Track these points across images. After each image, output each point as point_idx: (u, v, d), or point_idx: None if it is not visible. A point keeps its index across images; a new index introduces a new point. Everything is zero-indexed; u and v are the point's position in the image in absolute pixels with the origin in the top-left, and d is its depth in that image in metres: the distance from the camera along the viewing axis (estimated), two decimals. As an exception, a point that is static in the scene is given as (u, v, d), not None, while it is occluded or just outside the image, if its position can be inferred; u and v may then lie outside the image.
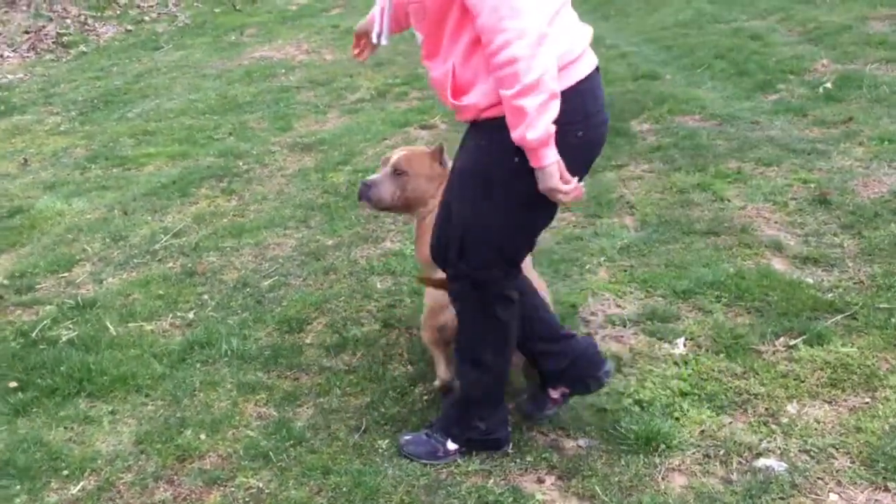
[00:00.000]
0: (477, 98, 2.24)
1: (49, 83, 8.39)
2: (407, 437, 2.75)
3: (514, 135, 2.16)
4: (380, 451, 2.74)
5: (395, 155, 3.07)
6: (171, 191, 5.09)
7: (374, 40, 2.51)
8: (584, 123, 2.27)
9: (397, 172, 3.01)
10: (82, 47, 9.86)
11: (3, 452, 2.83)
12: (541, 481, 2.57)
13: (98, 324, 3.61)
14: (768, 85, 6.24)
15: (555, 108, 2.13)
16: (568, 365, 2.66)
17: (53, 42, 10.17)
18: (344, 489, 2.56)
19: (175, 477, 2.68)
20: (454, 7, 2.20)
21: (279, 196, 4.92)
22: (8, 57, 9.72)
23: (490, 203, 2.34)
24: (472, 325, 2.58)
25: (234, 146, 5.86)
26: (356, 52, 2.87)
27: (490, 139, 2.29)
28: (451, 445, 2.68)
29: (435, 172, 3.02)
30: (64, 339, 3.50)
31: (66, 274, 4.13)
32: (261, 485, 2.61)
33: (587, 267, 3.84)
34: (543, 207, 2.35)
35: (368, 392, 3.05)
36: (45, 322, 3.63)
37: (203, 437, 2.86)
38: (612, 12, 9.26)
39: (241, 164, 5.51)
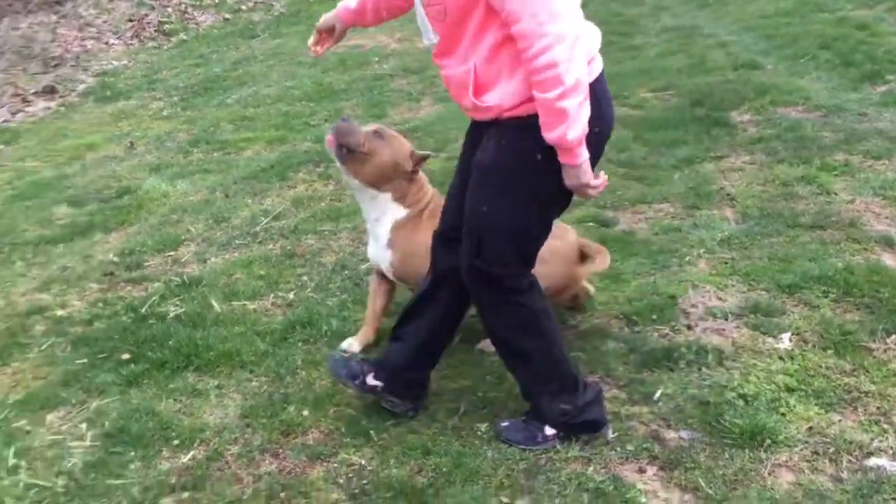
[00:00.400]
0: (500, 98, 2.30)
1: (152, 69, 8.66)
2: (505, 424, 2.76)
3: (553, 135, 2.22)
4: (478, 433, 2.76)
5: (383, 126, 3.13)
6: (270, 175, 5.20)
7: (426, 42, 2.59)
8: (600, 120, 2.33)
9: (377, 135, 3.05)
10: (182, 35, 10.14)
11: (116, 420, 2.95)
12: (642, 471, 2.55)
13: (203, 301, 3.72)
14: (876, 76, 6.02)
15: (588, 107, 2.22)
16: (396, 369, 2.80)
17: (155, 30, 10.48)
18: (444, 469, 2.59)
19: (280, 451, 2.76)
20: (478, 9, 2.24)
21: (375, 182, 4.98)
22: (113, 44, 10.07)
23: (510, 199, 2.40)
24: (497, 319, 2.62)
25: (330, 132, 5.95)
26: (314, 46, 2.89)
27: (513, 138, 2.35)
28: (549, 430, 2.68)
29: (404, 168, 3.07)
30: (171, 315, 3.62)
31: (172, 253, 4.27)
32: (363, 461, 2.66)
33: (686, 258, 3.78)
34: (559, 204, 2.50)
35: (466, 376, 3.07)
36: (153, 298, 3.76)
37: (306, 413, 2.92)
38: (710, 0, 9.05)
39: (337, 149, 5.59)
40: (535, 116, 2.25)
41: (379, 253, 3.20)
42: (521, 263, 2.53)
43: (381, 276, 3.27)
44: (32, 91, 8.14)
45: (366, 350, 3.24)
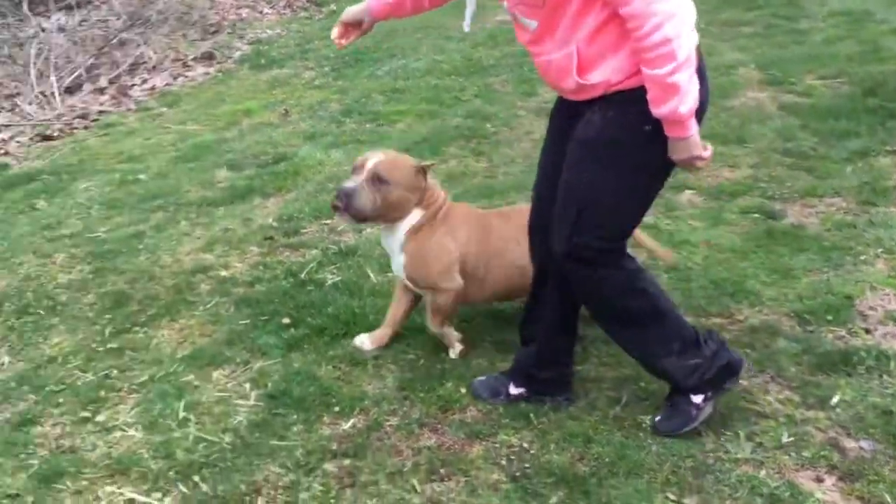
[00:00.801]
0: (607, 74, 2.30)
1: (304, 39, 8.84)
2: (658, 417, 2.67)
3: (664, 109, 2.21)
4: (642, 426, 2.68)
5: (372, 160, 2.89)
6: (423, 148, 5.21)
7: (465, 28, 2.63)
8: (702, 87, 2.29)
9: (378, 180, 2.86)
10: (332, 6, 10.31)
11: (279, 382, 3.01)
12: (819, 480, 2.42)
13: (359, 271, 3.76)
14: None
15: (696, 80, 2.23)
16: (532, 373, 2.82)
17: (307, 0, 10.70)
18: (606, 459, 2.53)
19: (439, 426, 2.75)
20: None
21: (527, 160, 4.91)
22: (266, 13, 10.35)
23: (616, 172, 2.38)
24: (599, 294, 2.56)
25: (480, 108, 5.93)
26: (339, 39, 2.85)
27: (620, 111, 2.34)
28: (698, 398, 2.60)
29: (418, 184, 2.94)
30: (329, 282, 3.67)
31: (328, 221, 4.33)
32: (524, 444, 2.63)
33: (862, 258, 3.57)
34: (662, 177, 2.46)
35: (627, 365, 2.98)
36: (311, 265, 3.83)
37: (463, 390, 2.91)
38: (882, -16, 8.51)
39: (488, 126, 5.57)
40: (641, 89, 2.25)
41: (393, 257, 3.07)
42: (618, 238, 2.50)
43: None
44: (192, 57, 8.46)
45: (379, 349, 3.17)
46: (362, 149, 5.28)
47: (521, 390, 2.83)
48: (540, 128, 5.41)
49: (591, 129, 2.40)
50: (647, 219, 4.05)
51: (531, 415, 2.75)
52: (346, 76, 7.28)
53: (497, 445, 2.64)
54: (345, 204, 2.84)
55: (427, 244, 2.99)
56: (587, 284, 2.54)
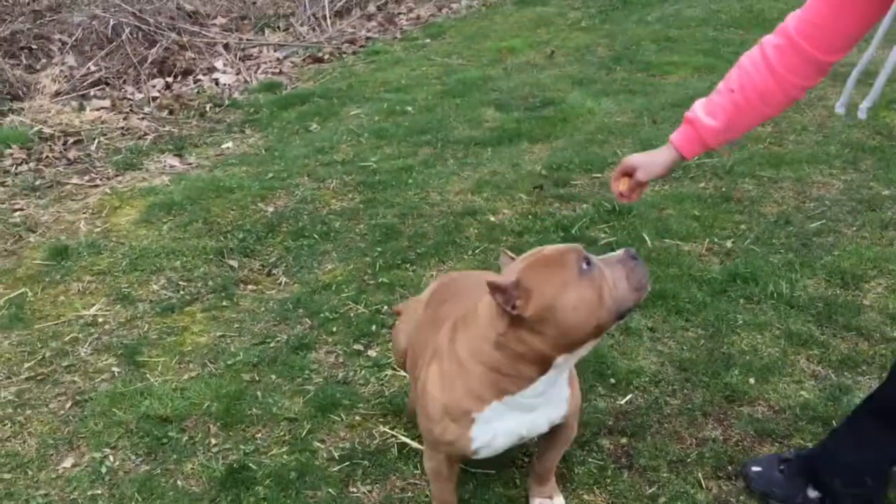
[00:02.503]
0: None
1: (570, -23, 8.57)
2: (758, 468, 2.25)
3: None
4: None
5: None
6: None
7: (839, 109, 2.00)
8: None
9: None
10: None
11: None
12: None
13: (634, 233, 3.56)
14: None
15: None
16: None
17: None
18: None
19: (724, 417, 2.54)
20: None
21: (821, 129, 4.48)
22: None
23: None
24: None
25: (764, 65, 5.46)
26: (621, 190, 2.21)
27: None
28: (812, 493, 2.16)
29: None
30: (602, 241, 3.50)
31: (598, 175, 4.15)
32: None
33: None
34: None
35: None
36: (583, 220, 3.68)
37: (752, 381, 2.67)
38: None
39: (773, 86, 5.11)
40: None
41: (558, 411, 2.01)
42: None
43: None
44: (457, -11, 8.43)
45: None
46: (635, 100, 5.05)
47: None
48: (835, 94, 4.91)
49: None
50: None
51: (833, 422, 2.47)
52: (614, 20, 6.98)
53: (791, 449, 2.40)
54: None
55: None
56: None
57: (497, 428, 1.92)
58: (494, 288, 1.72)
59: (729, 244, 3.46)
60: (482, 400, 1.88)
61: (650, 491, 2.30)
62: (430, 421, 1.96)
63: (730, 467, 2.35)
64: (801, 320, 2.95)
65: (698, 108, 2.04)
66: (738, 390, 2.63)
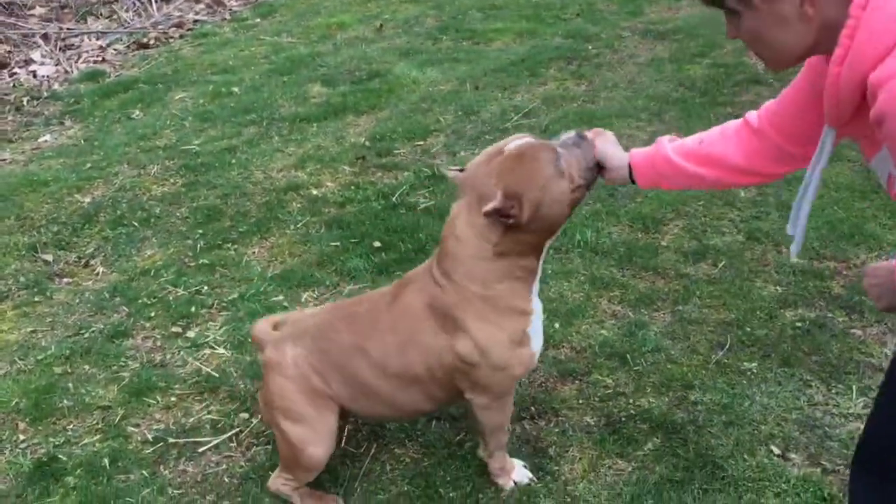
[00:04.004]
0: None
1: (400, -49, 8.59)
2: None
3: None
4: (746, 373, 2.54)
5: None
6: (521, 69, 5.01)
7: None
8: None
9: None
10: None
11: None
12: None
13: (453, 196, 3.64)
14: None
15: None
16: None
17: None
18: (706, 408, 2.41)
19: (530, 362, 2.66)
20: None
21: (630, 85, 4.68)
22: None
23: None
24: None
25: (582, 28, 5.66)
26: None
27: None
28: None
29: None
30: (422, 206, 3.58)
31: (420, 142, 4.22)
32: (618, 387, 2.52)
33: None
34: None
35: (732, 308, 2.83)
36: (404, 188, 3.74)
37: (557, 326, 2.80)
38: None
39: (589, 47, 5.31)
40: None
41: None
42: None
43: None
44: (287, -33, 8.31)
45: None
46: (459, 68, 5.14)
47: None
48: (645, 51, 5.16)
49: None
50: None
51: (627, 355, 2.63)
52: (443, -10, 7.05)
53: (590, 385, 2.54)
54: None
55: None
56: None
57: (537, 325, 2.08)
58: (492, 212, 1.87)
59: (542, 199, 3.59)
60: (524, 298, 2.03)
61: (458, 438, 2.40)
62: (507, 367, 2.03)
63: (532, 408, 2.47)
64: (605, 265, 3.11)
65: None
66: (546, 336, 2.75)
